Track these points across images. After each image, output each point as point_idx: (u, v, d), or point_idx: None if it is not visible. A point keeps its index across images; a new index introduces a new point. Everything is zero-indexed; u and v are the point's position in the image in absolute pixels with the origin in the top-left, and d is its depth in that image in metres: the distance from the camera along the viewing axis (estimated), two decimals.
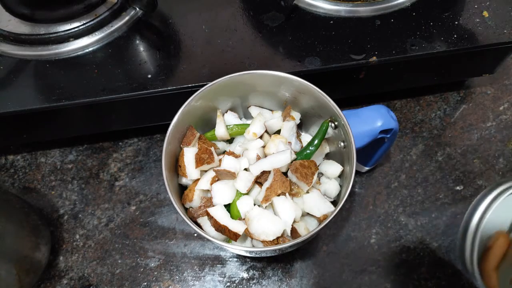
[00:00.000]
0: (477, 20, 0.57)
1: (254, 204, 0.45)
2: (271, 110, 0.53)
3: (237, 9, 0.59)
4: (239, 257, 0.56)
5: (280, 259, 0.56)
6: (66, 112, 0.53)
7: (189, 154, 0.47)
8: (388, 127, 0.46)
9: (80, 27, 0.55)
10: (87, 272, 0.56)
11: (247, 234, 0.43)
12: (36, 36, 0.55)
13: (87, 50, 0.55)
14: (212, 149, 0.48)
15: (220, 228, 0.42)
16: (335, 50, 0.54)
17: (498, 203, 0.45)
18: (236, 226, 0.42)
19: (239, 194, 0.45)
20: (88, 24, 0.55)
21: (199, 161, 0.46)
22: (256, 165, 0.45)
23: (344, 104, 0.63)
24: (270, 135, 0.50)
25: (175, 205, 0.42)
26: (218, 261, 0.56)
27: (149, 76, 0.53)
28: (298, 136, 0.51)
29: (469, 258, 0.45)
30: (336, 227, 0.58)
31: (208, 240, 0.41)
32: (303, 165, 0.45)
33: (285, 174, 0.47)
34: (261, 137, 0.49)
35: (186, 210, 0.47)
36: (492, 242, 0.44)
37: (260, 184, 0.46)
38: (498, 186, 0.47)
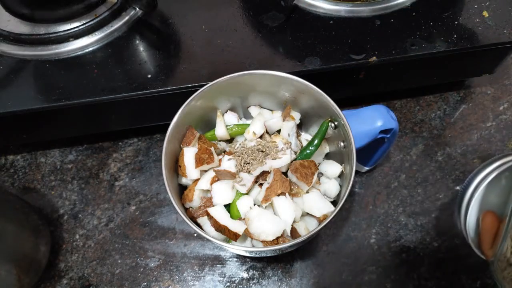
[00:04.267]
0: (477, 20, 0.57)
1: (254, 204, 0.45)
2: (271, 110, 0.53)
3: (237, 9, 0.59)
4: (239, 257, 0.56)
5: (280, 259, 0.56)
6: (66, 112, 0.53)
7: (189, 154, 0.47)
8: (388, 127, 0.46)
9: (80, 27, 0.55)
10: (87, 272, 0.56)
11: (247, 234, 0.43)
12: (36, 36, 0.55)
13: (87, 50, 0.55)
14: (212, 149, 0.47)
15: (220, 228, 0.42)
16: (335, 50, 0.54)
17: (488, 181, 0.45)
18: (236, 226, 0.42)
19: (239, 194, 0.45)
20: (88, 24, 0.55)
21: (199, 161, 0.46)
22: None
23: (344, 104, 0.63)
24: (270, 135, 0.50)
25: (175, 205, 0.42)
26: (218, 261, 0.56)
27: (149, 76, 0.53)
28: (298, 136, 0.51)
29: (466, 235, 0.47)
30: (336, 227, 0.58)
31: (208, 240, 0.41)
32: (303, 165, 0.45)
33: (285, 174, 0.47)
34: (261, 137, 0.49)
35: (186, 210, 0.47)
36: (480, 222, 0.44)
37: (260, 184, 0.46)
38: (493, 163, 0.47)
